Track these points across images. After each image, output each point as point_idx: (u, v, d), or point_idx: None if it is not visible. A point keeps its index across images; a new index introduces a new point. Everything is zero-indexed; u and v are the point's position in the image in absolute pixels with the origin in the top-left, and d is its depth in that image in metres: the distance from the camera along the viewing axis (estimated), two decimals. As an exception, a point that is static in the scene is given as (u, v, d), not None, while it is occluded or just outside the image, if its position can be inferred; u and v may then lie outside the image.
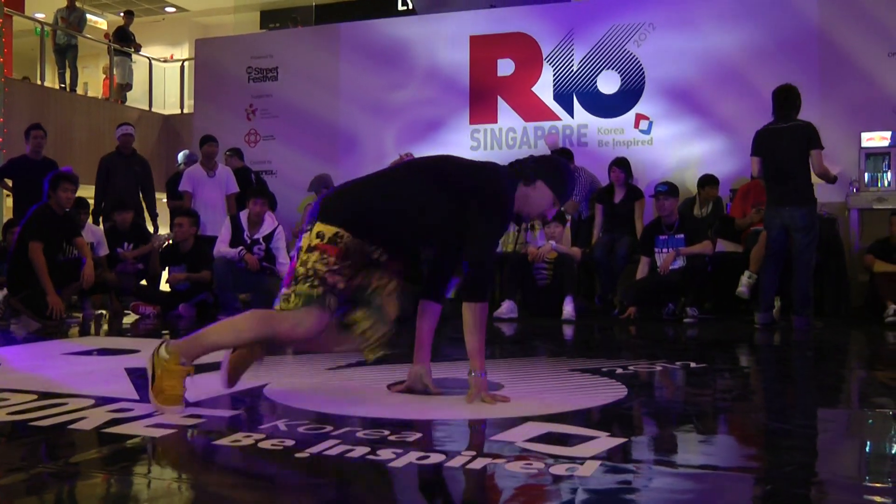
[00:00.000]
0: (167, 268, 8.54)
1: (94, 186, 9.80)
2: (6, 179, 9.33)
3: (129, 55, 14.82)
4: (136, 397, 3.51)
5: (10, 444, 2.89)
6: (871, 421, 3.37)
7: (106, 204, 9.36)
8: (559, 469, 2.39)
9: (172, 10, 19.94)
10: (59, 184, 7.38)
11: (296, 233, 9.52)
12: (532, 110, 10.20)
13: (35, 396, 3.50)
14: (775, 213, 6.88)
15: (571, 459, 2.48)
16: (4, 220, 10.16)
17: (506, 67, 10.34)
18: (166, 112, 14.92)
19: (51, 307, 6.99)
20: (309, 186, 9.64)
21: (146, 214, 9.80)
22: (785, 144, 6.83)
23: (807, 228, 6.77)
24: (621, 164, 8.59)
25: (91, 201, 9.35)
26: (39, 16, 15.71)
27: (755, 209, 7.62)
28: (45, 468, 2.53)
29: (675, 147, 9.58)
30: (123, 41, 14.84)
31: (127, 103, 14.48)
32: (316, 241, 3.21)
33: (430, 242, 3.48)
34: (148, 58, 15.48)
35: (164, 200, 10.21)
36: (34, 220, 7.32)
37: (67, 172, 7.75)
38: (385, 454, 2.54)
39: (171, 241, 8.60)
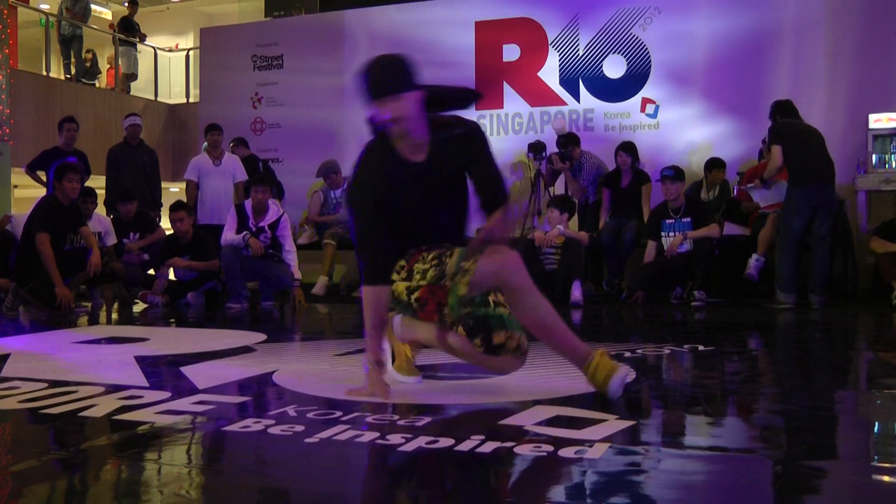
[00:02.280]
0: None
1: (101, 176, 9.81)
2: (38, 172, 9.33)
3: (135, 45, 14.81)
4: (146, 384, 3.53)
5: (22, 432, 2.92)
6: (879, 402, 3.37)
7: (110, 194, 9.37)
8: (568, 452, 2.40)
9: (177, -1, 19.91)
10: (64, 174, 7.39)
11: (304, 221, 9.54)
12: (538, 95, 10.18)
13: (46, 384, 3.52)
14: (804, 193, 7.01)
15: (580, 442, 2.49)
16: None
17: (511, 52, 10.31)
18: (172, 102, 14.91)
19: (59, 298, 7.02)
20: (317, 172, 9.63)
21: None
22: (808, 131, 7.18)
23: (833, 206, 7.14)
24: (628, 149, 8.57)
25: (99, 191, 9.35)
26: (44, 7, 15.71)
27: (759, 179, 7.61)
28: (57, 455, 2.55)
29: (681, 131, 9.55)
30: (128, 31, 14.83)
31: (133, 93, 14.47)
32: None
33: None
34: (153, 47, 15.47)
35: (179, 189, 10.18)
36: (40, 211, 7.34)
37: (72, 163, 7.78)
38: (394, 439, 2.55)
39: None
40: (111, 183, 9.62)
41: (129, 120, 9.87)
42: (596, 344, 3.61)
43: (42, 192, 8.91)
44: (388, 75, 3.10)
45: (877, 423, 3.04)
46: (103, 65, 15.51)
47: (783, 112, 7.32)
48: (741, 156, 9.08)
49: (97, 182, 10.24)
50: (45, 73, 13.44)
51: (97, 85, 14.55)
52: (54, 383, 3.55)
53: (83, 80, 13.98)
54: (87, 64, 14.29)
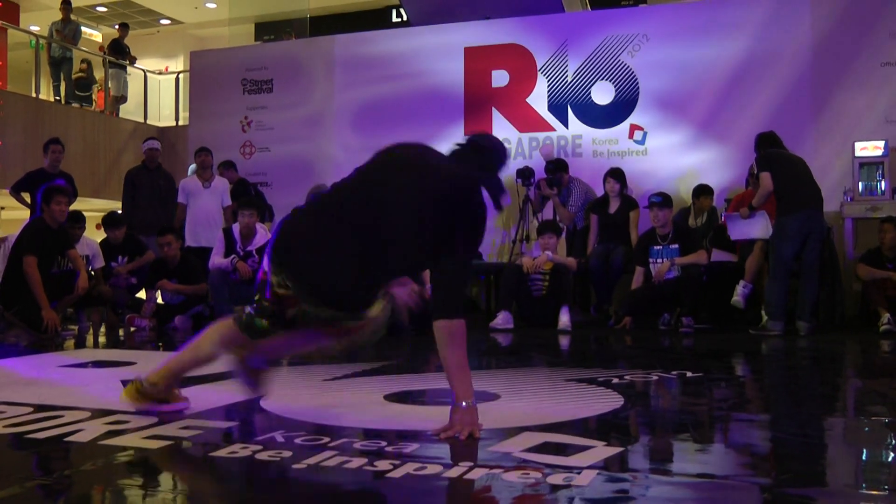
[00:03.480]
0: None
1: (90, 199, 9.78)
2: (23, 193, 9.30)
3: (125, 68, 14.83)
4: (133, 409, 3.50)
5: (6, 457, 2.89)
6: (867, 429, 3.37)
7: (128, 217, 9.30)
8: (556, 478, 2.39)
9: (167, 22, 19.96)
10: (52, 197, 7.37)
11: None
12: (527, 121, 10.22)
13: (31, 409, 3.50)
14: (795, 220, 7.05)
15: (569, 469, 2.49)
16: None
17: (500, 78, 10.36)
18: (161, 124, 14.91)
19: (46, 321, 6.98)
20: (307, 197, 9.63)
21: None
22: (795, 160, 7.27)
23: (822, 233, 7.21)
24: (616, 175, 8.60)
25: (87, 214, 9.31)
26: (34, 28, 15.72)
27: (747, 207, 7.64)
28: (41, 481, 2.53)
29: (669, 157, 9.59)
30: (118, 53, 14.85)
31: (122, 116, 14.47)
32: None
33: None
34: (143, 70, 15.49)
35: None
36: (28, 234, 7.32)
37: (60, 185, 7.75)
38: (382, 465, 2.54)
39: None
40: (128, 205, 9.63)
41: (148, 144, 9.90)
42: (583, 370, 3.60)
43: (27, 214, 8.88)
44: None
45: (864, 451, 3.04)
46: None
47: (768, 143, 7.38)
48: (729, 183, 9.12)
49: (92, 204, 10.23)
50: (34, 94, 13.43)
51: (93, 97, 14.48)
52: (40, 407, 3.52)
53: (77, 92, 13.92)
54: (83, 75, 14.22)
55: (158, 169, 9.85)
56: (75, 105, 13.80)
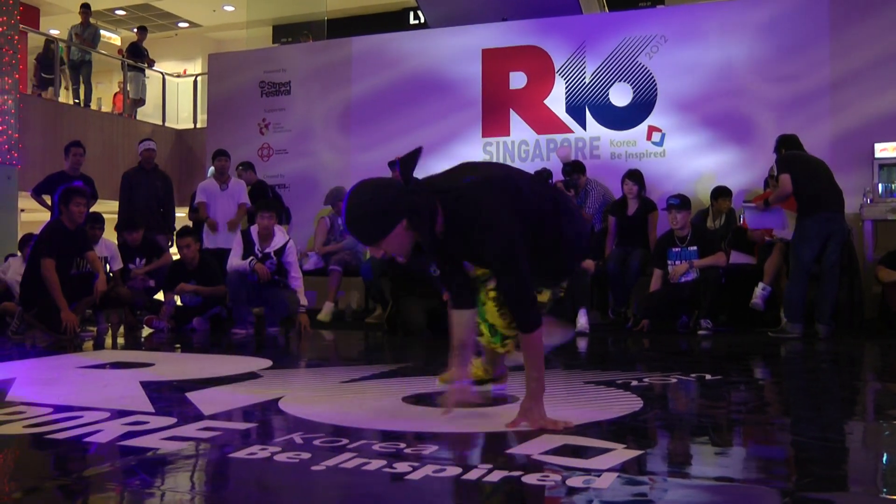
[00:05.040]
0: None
1: (109, 201, 9.83)
2: (44, 196, 9.35)
3: (143, 70, 14.91)
4: (152, 410, 3.52)
5: (26, 457, 2.91)
6: (887, 433, 3.35)
7: (122, 219, 9.37)
8: (576, 481, 2.38)
9: (185, 25, 20.07)
10: (70, 198, 7.38)
11: (311, 248, 9.52)
12: (544, 123, 10.21)
13: (50, 409, 3.52)
14: (816, 222, 7.00)
15: (588, 472, 2.48)
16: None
17: (518, 80, 10.35)
18: (179, 127, 14.99)
19: (65, 323, 7.01)
20: (325, 199, 9.66)
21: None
22: (816, 162, 7.20)
23: (843, 235, 7.13)
24: (634, 177, 8.58)
25: (105, 216, 9.36)
26: (54, 32, 15.83)
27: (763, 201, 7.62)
28: (61, 481, 2.54)
29: (687, 159, 9.56)
30: (137, 57, 14.94)
31: (141, 118, 14.54)
32: None
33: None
34: (161, 73, 15.58)
35: (185, 214, 10.21)
36: (46, 236, 7.34)
37: (79, 187, 7.76)
38: (401, 467, 2.54)
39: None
40: (125, 207, 9.63)
41: (144, 145, 9.90)
42: (602, 373, 3.59)
43: (48, 216, 8.93)
44: (363, 226, 3.04)
45: (885, 455, 3.02)
46: (112, 89, 15.60)
47: (788, 145, 7.34)
48: (747, 185, 9.08)
49: (110, 206, 10.26)
50: (53, 98, 13.52)
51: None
52: (59, 408, 3.54)
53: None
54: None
55: (155, 170, 9.86)
56: (93, 108, 13.89)
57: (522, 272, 3.04)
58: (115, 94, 15.62)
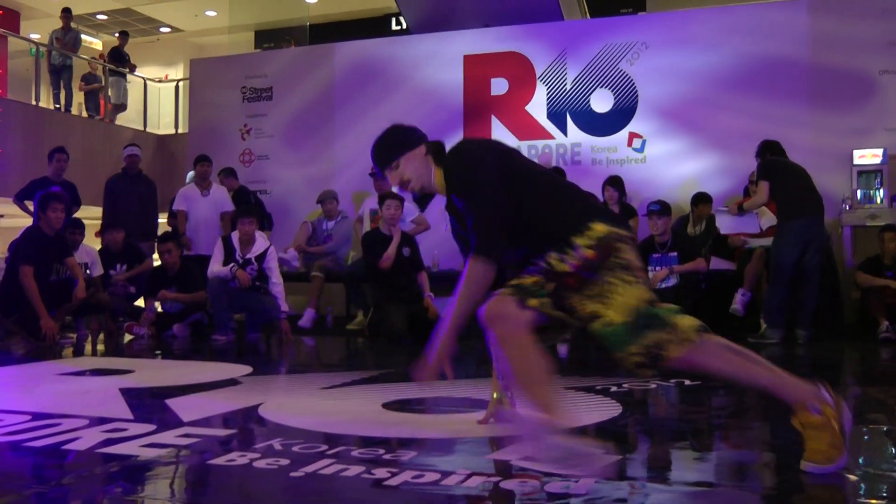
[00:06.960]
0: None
1: (89, 207, 9.77)
2: (26, 202, 9.28)
3: (124, 75, 14.84)
4: (131, 417, 3.50)
5: (4, 465, 2.88)
6: (866, 437, 3.37)
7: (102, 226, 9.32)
8: (555, 487, 2.39)
9: (167, 30, 19.98)
10: (48, 204, 7.31)
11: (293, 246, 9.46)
12: (526, 129, 10.23)
13: (29, 417, 3.49)
14: (796, 227, 7.04)
15: (567, 477, 2.48)
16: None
17: (499, 86, 10.38)
18: (161, 132, 14.92)
19: (44, 330, 6.97)
20: (317, 199, 9.62)
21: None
22: (797, 169, 7.23)
23: (823, 240, 7.21)
24: (615, 183, 8.61)
25: (86, 222, 9.31)
26: (35, 36, 15.72)
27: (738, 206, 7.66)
28: (39, 489, 2.52)
29: (668, 165, 9.61)
30: (118, 61, 14.86)
31: (122, 123, 14.47)
32: None
33: None
34: (143, 78, 15.51)
35: (165, 220, 10.15)
36: (24, 243, 7.28)
37: (56, 192, 7.68)
38: (380, 473, 2.54)
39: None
40: (108, 212, 9.57)
41: (128, 150, 9.82)
42: (582, 378, 3.60)
43: (30, 220, 8.88)
44: (388, 142, 3.39)
45: (864, 459, 3.04)
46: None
47: (771, 151, 7.38)
48: (727, 191, 9.12)
49: (91, 212, 10.20)
50: (34, 102, 13.44)
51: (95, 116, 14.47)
52: (37, 415, 3.52)
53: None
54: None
55: (139, 175, 9.80)
56: (75, 113, 13.81)
57: (493, 201, 2.93)
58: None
